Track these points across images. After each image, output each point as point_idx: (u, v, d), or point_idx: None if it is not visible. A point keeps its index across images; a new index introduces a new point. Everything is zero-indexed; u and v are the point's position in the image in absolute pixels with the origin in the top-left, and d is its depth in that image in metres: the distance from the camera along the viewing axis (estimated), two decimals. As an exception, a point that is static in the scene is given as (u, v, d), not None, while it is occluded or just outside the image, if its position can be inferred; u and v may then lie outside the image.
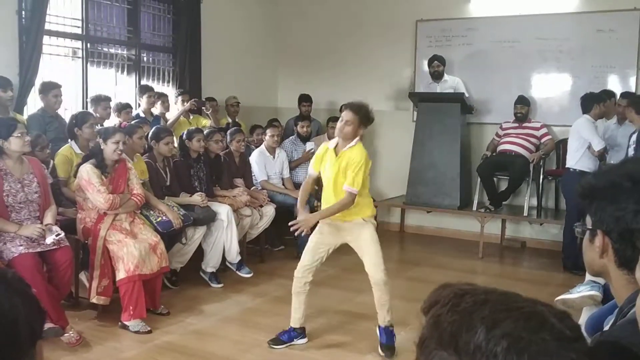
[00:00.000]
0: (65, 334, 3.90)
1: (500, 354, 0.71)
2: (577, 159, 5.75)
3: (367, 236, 3.84)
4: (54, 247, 3.97)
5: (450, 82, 7.09)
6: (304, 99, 7.62)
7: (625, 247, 1.26)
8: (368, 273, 3.86)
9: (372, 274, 3.83)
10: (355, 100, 3.89)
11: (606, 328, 1.93)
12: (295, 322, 4.02)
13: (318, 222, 3.95)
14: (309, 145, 6.83)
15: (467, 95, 7.08)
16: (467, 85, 7.13)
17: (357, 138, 3.79)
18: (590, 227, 1.32)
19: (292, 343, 4.02)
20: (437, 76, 7.09)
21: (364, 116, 3.76)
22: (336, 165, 3.79)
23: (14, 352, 0.72)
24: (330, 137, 7.14)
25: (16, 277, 0.76)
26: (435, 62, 7.06)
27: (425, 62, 7.58)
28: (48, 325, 3.88)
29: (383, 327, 3.91)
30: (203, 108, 6.68)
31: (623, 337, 1.15)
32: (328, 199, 3.88)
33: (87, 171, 4.30)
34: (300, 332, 4.06)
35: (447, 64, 7.25)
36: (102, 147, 4.36)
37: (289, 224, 3.89)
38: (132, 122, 5.46)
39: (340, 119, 3.80)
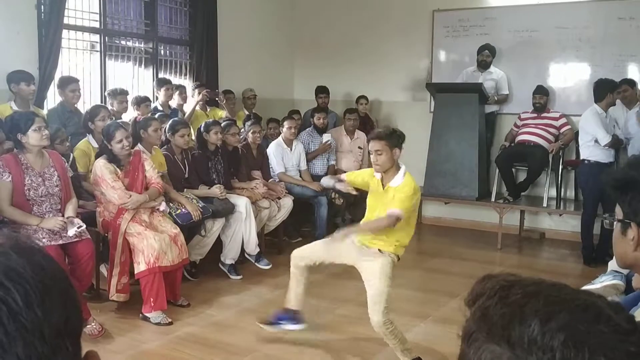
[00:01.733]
0: (88, 326, 3.94)
1: (557, 348, 0.69)
2: (590, 151, 5.72)
3: (377, 268, 3.44)
4: (76, 240, 4.01)
5: (494, 75, 7.04)
6: (321, 91, 7.60)
7: None
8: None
9: (370, 313, 3.41)
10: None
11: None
12: (289, 303, 3.79)
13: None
14: (326, 137, 6.83)
15: (506, 92, 7.05)
16: (510, 81, 7.08)
17: (403, 168, 3.49)
18: (622, 219, 1.30)
19: (281, 326, 3.79)
20: (484, 66, 7.03)
21: (390, 137, 3.43)
22: (382, 197, 3.51)
23: (79, 325, 0.72)
24: (347, 129, 7.15)
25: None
26: (486, 51, 7.00)
27: (443, 53, 7.57)
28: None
29: None
30: (217, 99, 6.69)
31: None
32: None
33: (100, 167, 4.32)
34: (292, 316, 3.78)
35: (465, 55, 7.20)
36: (109, 148, 4.36)
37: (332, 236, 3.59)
38: (149, 115, 5.49)
39: (369, 153, 3.50)
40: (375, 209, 3.56)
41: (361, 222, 3.68)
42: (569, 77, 6.91)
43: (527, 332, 0.71)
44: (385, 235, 3.51)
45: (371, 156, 3.50)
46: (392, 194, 3.45)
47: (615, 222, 1.33)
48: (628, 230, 1.28)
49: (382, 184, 3.54)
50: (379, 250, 3.52)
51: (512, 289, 0.76)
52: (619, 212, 1.31)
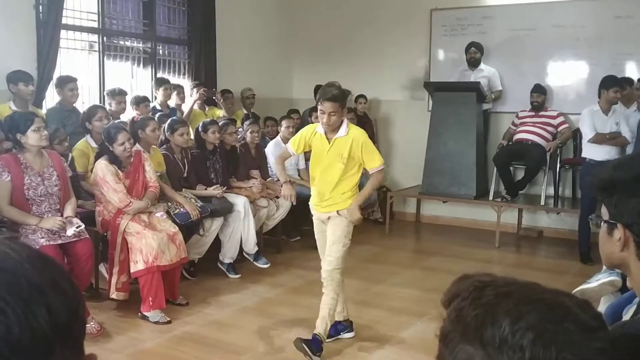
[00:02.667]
0: (87, 325, 3.95)
1: (526, 347, 0.71)
2: (586, 149, 5.80)
3: (338, 227, 3.72)
4: (75, 239, 4.02)
5: (486, 72, 7.05)
6: (318, 90, 7.59)
7: None
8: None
9: (327, 253, 3.74)
10: (326, 84, 3.76)
11: (625, 317, 1.93)
12: (338, 315, 3.93)
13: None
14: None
15: (499, 88, 7.07)
16: (502, 77, 7.10)
17: (346, 121, 3.72)
18: (608, 220, 1.30)
19: (339, 336, 3.96)
20: (473, 63, 7.05)
21: (343, 99, 3.64)
22: (331, 152, 3.70)
23: (76, 330, 0.71)
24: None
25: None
26: (472, 48, 7.02)
27: (441, 52, 7.59)
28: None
29: (314, 333, 3.70)
30: (214, 98, 6.69)
31: None
32: (323, 187, 3.77)
33: (102, 168, 4.33)
34: (347, 325, 4.00)
35: (462, 54, 7.20)
36: (110, 149, 4.37)
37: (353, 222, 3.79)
38: (148, 115, 5.49)
39: (320, 111, 3.62)
40: (320, 164, 3.76)
41: (317, 183, 3.82)
42: (567, 75, 6.92)
43: (499, 332, 0.73)
44: (349, 194, 3.73)
45: (322, 116, 3.61)
46: (341, 146, 3.67)
47: (601, 223, 1.33)
48: (614, 230, 1.28)
49: (327, 138, 3.71)
50: (337, 212, 3.74)
51: (485, 290, 0.79)
52: (604, 212, 1.31)
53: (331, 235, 3.73)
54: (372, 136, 7.78)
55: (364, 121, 7.52)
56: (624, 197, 1.26)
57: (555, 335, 0.72)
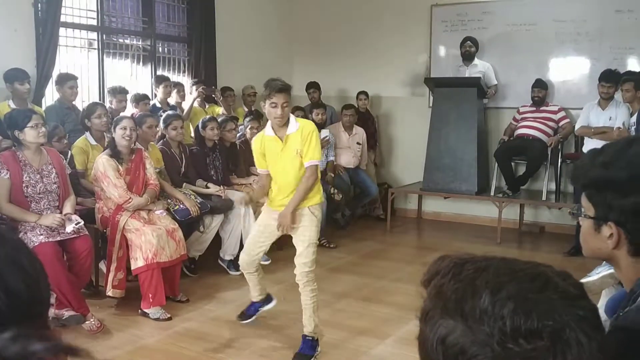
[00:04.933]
0: (87, 322, 3.96)
1: (507, 316, 0.71)
2: (588, 143, 5.86)
3: (308, 228, 3.62)
4: (74, 236, 4.02)
5: (480, 67, 7.02)
6: (310, 86, 7.55)
7: None
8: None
9: (297, 267, 3.66)
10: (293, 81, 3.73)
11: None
12: (255, 297, 3.96)
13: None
14: (324, 133, 6.79)
15: (495, 82, 7.04)
16: (496, 72, 7.08)
17: (292, 116, 3.64)
18: (596, 216, 1.26)
19: (260, 311, 3.98)
20: (468, 57, 7.01)
21: (290, 91, 3.65)
22: (286, 150, 3.58)
23: (37, 307, 0.69)
24: (344, 125, 7.14)
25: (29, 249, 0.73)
26: (468, 42, 6.99)
27: (441, 48, 7.57)
28: (69, 313, 3.95)
29: (303, 335, 3.70)
30: (213, 96, 6.67)
31: (637, 322, 1.12)
32: (285, 186, 3.64)
33: (103, 163, 4.34)
34: (264, 300, 3.99)
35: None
36: (113, 136, 4.44)
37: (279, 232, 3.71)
38: (146, 112, 5.49)
39: (272, 104, 3.53)
40: (277, 164, 3.64)
41: (278, 187, 3.68)
42: (568, 70, 6.89)
43: (479, 304, 0.73)
44: (315, 189, 3.65)
45: (275, 109, 3.52)
46: (295, 140, 3.56)
47: (585, 218, 1.29)
48: (603, 227, 1.25)
49: (279, 137, 3.61)
50: (309, 209, 3.63)
51: (465, 266, 0.79)
52: (588, 207, 1.27)
53: (301, 236, 3.62)
54: (374, 132, 7.77)
55: (365, 118, 7.51)
56: (618, 195, 1.21)
57: (536, 303, 0.72)
